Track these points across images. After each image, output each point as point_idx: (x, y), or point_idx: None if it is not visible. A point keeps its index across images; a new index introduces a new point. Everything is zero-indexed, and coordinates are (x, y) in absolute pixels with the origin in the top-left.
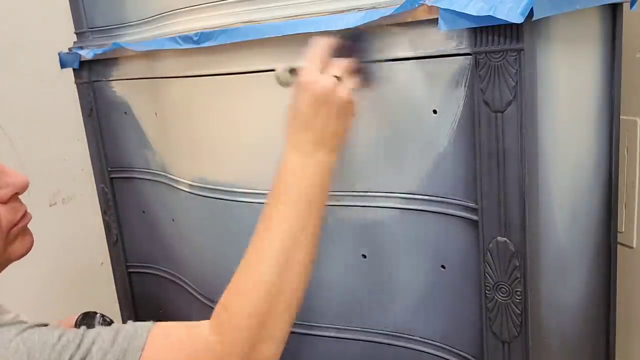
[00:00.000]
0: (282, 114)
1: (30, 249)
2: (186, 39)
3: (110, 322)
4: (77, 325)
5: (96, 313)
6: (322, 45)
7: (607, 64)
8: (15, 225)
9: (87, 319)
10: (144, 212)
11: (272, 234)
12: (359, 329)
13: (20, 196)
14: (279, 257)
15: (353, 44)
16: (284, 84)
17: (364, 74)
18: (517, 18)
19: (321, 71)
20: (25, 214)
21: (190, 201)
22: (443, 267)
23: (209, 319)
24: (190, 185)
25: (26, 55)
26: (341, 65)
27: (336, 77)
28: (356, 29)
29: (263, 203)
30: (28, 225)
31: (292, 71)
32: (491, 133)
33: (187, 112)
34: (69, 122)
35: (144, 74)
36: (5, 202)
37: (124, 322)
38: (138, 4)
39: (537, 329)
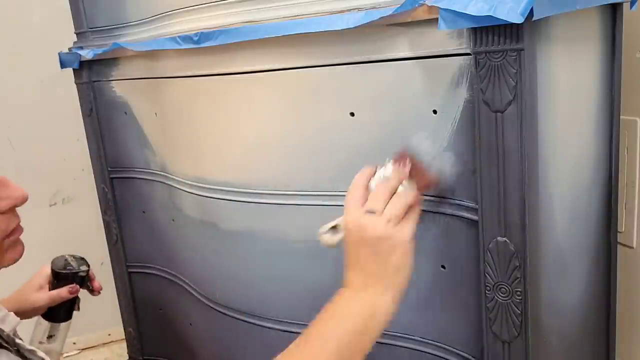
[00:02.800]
0: (281, 114)
1: (20, 258)
2: (186, 39)
3: (82, 258)
4: (53, 266)
5: (64, 255)
6: (359, 181)
7: (607, 64)
8: (9, 236)
9: (60, 261)
10: (144, 212)
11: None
12: None
13: None
14: None
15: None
16: (330, 245)
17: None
18: (517, 18)
19: (361, 206)
20: (18, 226)
21: (190, 201)
22: (443, 267)
23: (208, 318)
24: (190, 185)
25: (26, 55)
26: (379, 199)
27: (372, 211)
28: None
29: (262, 203)
30: (26, 226)
31: (335, 227)
32: (491, 133)
33: (187, 112)
34: (69, 122)
35: (144, 74)
36: (2, 213)
37: (123, 322)
38: (138, 4)
39: (537, 329)
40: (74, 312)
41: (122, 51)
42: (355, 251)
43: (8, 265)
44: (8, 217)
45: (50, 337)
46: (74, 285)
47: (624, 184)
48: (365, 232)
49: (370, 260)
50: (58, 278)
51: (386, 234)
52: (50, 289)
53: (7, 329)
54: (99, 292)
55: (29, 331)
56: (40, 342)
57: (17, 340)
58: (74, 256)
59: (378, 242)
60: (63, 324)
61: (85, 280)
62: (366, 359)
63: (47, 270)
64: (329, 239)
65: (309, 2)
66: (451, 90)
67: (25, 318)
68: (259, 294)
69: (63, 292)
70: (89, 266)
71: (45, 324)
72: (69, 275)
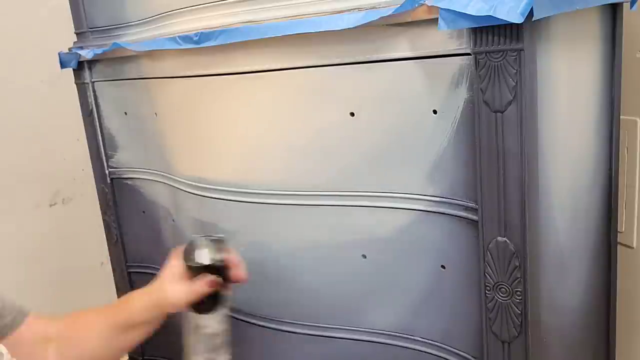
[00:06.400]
0: (281, 114)
1: None
2: (186, 39)
3: (220, 240)
4: (185, 259)
5: (198, 238)
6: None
7: (607, 64)
8: None
9: (192, 247)
10: (144, 212)
11: None
12: (359, 329)
13: (20, 196)
14: None
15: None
16: None
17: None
18: (517, 18)
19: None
20: None
21: (190, 201)
22: (443, 267)
23: None
24: (190, 185)
25: (26, 55)
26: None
27: None
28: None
29: (262, 203)
30: (26, 226)
31: None
32: (491, 133)
33: (187, 112)
34: (69, 122)
35: (144, 74)
36: None
37: None
38: (138, 4)
39: (537, 329)
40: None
41: (122, 51)
42: None
43: None
44: None
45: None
46: (212, 279)
47: (624, 184)
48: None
49: None
50: (192, 270)
51: None
52: (188, 278)
53: None
54: (242, 282)
55: None
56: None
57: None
58: (210, 238)
59: None
60: (216, 314)
61: (220, 270)
62: (365, 358)
63: (179, 260)
64: None
65: (309, 2)
66: (451, 90)
67: (170, 311)
68: (258, 294)
69: (203, 286)
70: (224, 250)
71: (196, 316)
72: (201, 268)
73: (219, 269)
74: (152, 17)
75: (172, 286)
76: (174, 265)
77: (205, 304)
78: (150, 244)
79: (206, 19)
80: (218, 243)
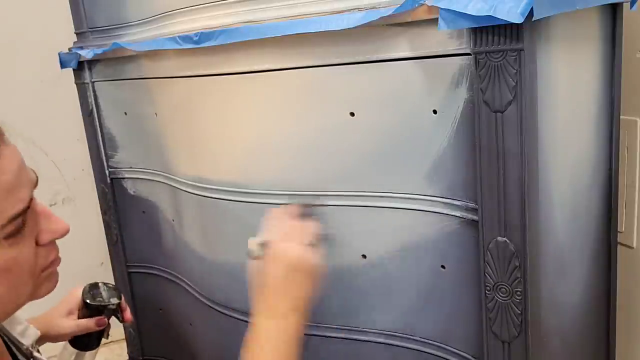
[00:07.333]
0: (281, 114)
1: (54, 289)
2: (186, 39)
3: (115, 288)
4: (85, 296)
5: (98, 283)
6: (286, 214)
7: (607, 64)
8: (47, 268)
9: (92, 290)
10: (144, 212)
11: None
12: (359, 329)
13: None
14: None
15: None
16: (255, 257)
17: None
18: (517, 18)
19: (291, 239)
20: (56, 258)
21: (189, 201)
22: (443, 267)
23: (208, 318)
24: (190, 185)
25: (26, 55)
26: (311, 231)
27: (307, 243)
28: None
29: (263, 203)
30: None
31: (264, 244)
32: (491, 133)
33: (186, 112)
34: (69, 122)
35: (144, 74)
36: (43, 245)
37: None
38: (138, 4)
39: (537, 329)
40: (102, 340)
41: (122, 51)
42: (289, 279)
43: (43, 296)
44: (48, 249)
45: None
46: (102, 317)
47: (624, 184)
48: (305, 261)
49: (302, 288)
50: (88, 308)
51: (318, 263)
52: (79, 317)
53: (26, 342)
54: (130, 323)
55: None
56: None
57: (35, 354)
58: (107, 285)
59: (312, 269)
60: (89, 352)
61: (116, 313)
62: (365, 358)
63: (78, 295)
64: (258, 252)
65: (309, 2)
66: (451, 90)
67: (50, 341)
68: None
69: (91, 323)
70: (120, 297)
71: (70, 349)
72: (99, 308)
73: (113, 311)
74: (153, 17)
75: (62, 320)
76: (70, 301)
77: (85, 341)
78: (150, 244)
79: (206, 19)
80: (114, 290)
